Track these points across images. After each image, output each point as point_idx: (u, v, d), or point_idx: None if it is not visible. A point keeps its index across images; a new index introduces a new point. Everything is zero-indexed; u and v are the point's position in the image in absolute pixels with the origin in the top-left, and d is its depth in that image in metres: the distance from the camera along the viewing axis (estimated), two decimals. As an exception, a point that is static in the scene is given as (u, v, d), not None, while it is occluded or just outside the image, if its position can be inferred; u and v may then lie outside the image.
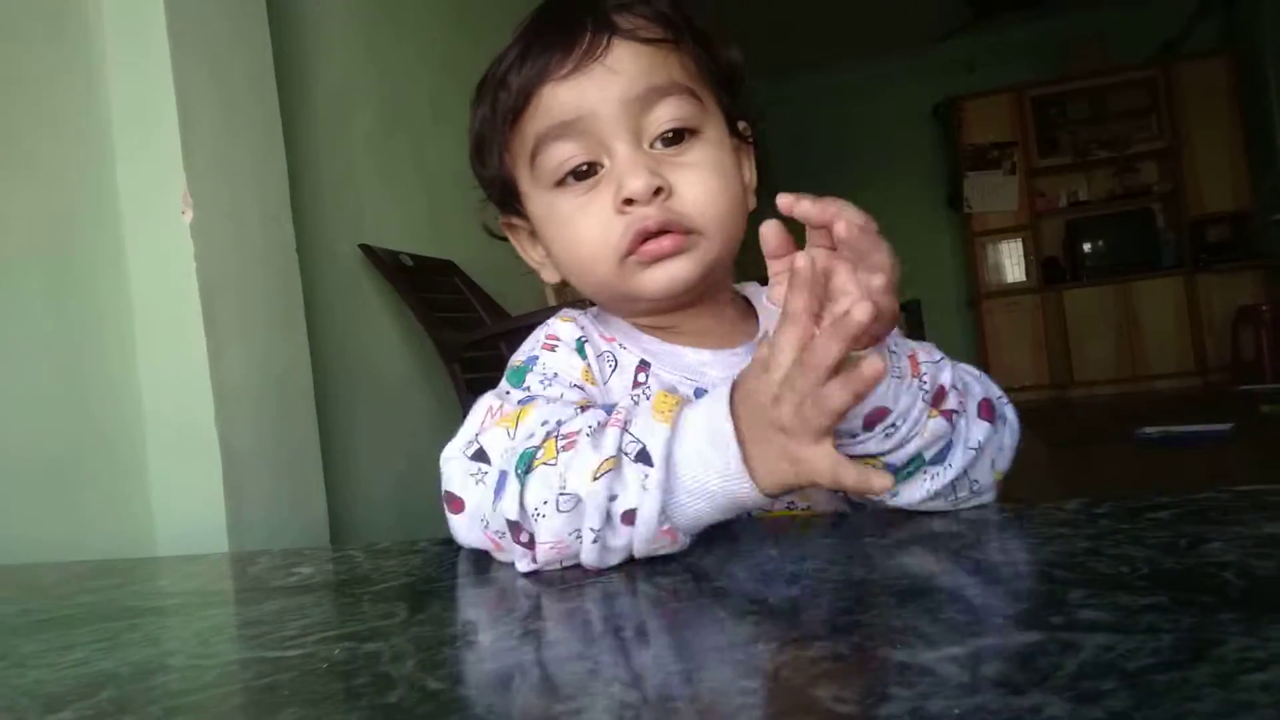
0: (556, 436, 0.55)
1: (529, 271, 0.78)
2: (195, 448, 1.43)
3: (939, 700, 0.27)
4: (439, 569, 0.60)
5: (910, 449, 0.56)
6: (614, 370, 0.70)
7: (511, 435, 0.57)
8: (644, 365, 0.70)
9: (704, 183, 0.66)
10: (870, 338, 0.52)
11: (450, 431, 0.62)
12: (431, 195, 2.52)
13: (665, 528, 0.52)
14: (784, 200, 0.52)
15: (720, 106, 0.71)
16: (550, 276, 0.76)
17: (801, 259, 0.50)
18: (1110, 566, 0.41)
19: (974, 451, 0.59)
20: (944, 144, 7.18)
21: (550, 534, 0.52)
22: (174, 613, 0.60)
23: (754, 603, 0.43)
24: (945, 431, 0.57)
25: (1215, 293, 6.21)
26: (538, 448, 0.54)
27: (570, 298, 0.84)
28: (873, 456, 0.56)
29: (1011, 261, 6.82)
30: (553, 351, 0.70)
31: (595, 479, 0.52)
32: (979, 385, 0.62)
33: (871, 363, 0.47)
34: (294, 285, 1.70)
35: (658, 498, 0.51)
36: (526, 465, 0.54)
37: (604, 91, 0.65)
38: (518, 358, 0.71)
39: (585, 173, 0.66)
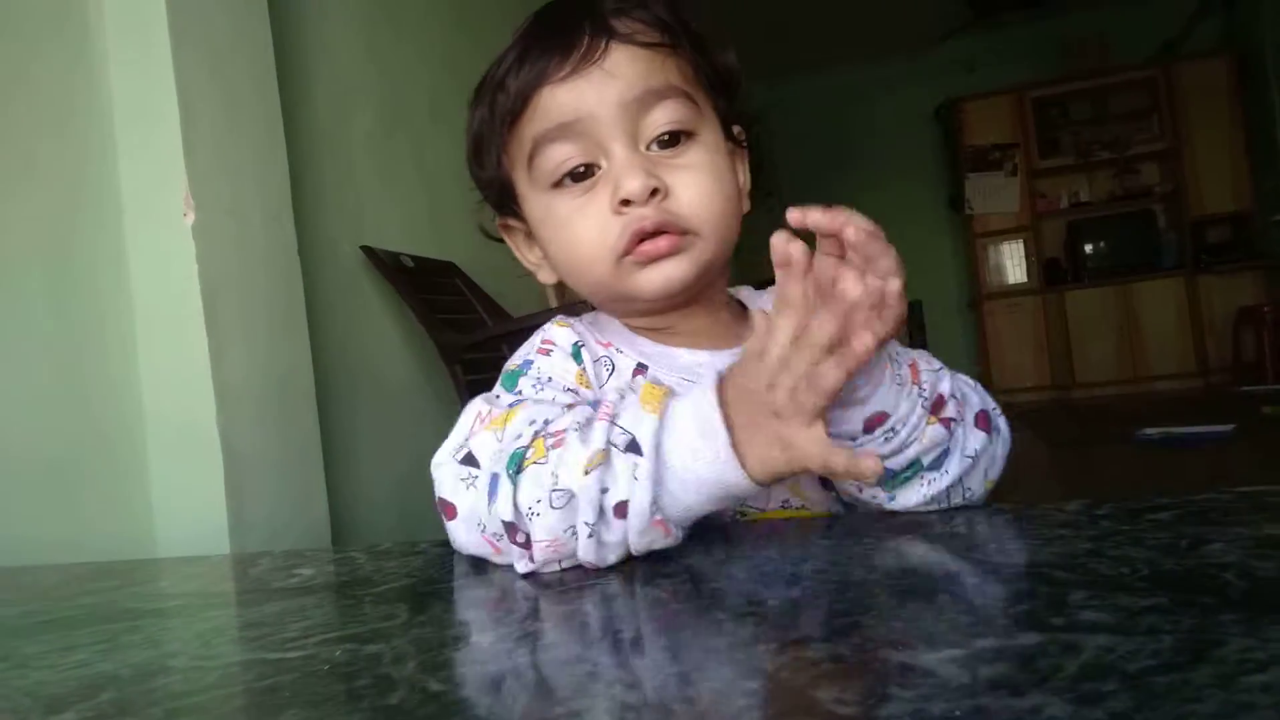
0: (545, 435, 0.55)
1: (526, 273, 0.79)
2: (196, 448, 1.43)
3: (940, 702, 0.27)
4: (440, 570, 0.60)
5: (909, 454, 0.56)
6: (611, 374, 0.70)
7: (500, 438, 0.57)
8: (641, 368, 0.70)
9: (699, 184, 0.67)
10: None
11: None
12: (432, 196, 2.53)
13: (657, 519, 0.52)
14: (794, 214, 0.53)
15: (716, 110, 0.71)
16: (547, 277, 0.76)
17: (796, 248, 0.51)
18: (1111, 567, 0.41)
19: (970, 460, 0.59)
20: (945, 145, 7.18)
21: (545, 532, 0.53)
22: (175, 614, 0.60)
23: (754, 604, 0.43)
24: (943, 439, 0.58)
25: (1216, 294, 6.21)
26: (527, 447, 0.55)
27: (571, 298, 0.85)
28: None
29: (1013, 263, 6.82)
30: (548, 356, 0.71)
31: (586, 473, 0.52)
32: (976, 396, 0.63)
33: (861, 338, 0.48)
34: (295, 285, 1.70)
35: (649, 488, 0.51)
36: (517, 465, 0.54)
37: (602, 94, 0.65)
38: (512, 362, 0.72)
39: (582, 174, 0.67)
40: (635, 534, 0.52)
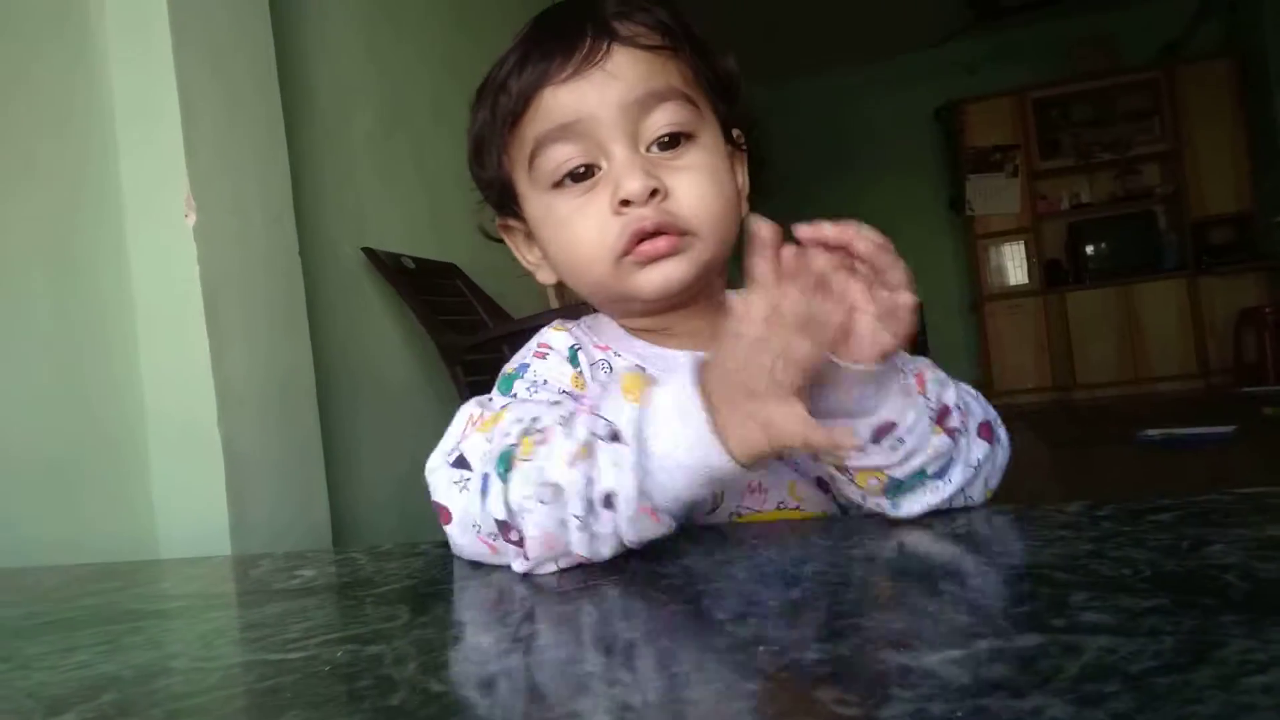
0: (532, 432, 0.55)
1: (525, 273, 0.79)
2: (197, 449, 1.44)
3: (941, 703, 0.27)
4: (441, 571, 0.60)
5: (914, 464, 0.56)
6: (609, 376, 0.71)
7: (490, 438, 0.57)
8: (638, 369, 0.71)
9: (699, 185, 0.67)
10: (882, 351, 0.53)
11: (452, 435, 0.62)
12: (433, 197, 2.53)
13: (645, 507, 0.52)
14: (804, 231, 0.52)
15: (716, 114, 0.72)
16: (546, 278, 0.77)
17: (765, 227, 0.51)
18: (1112, 569, 0.41)
19: (973, 469, 0.59)
20: (946, 146, 7.18)
21: (537, 528, 0.53)
22: (176, 615, 0.60)
23: (754, 605, 0.43)
24: (948, 448, 0.58)
25: (1218, 295, 6.20)
26: (515, 445, 0.55)
27: (571, 299, 0.85)
28: (879, 470, 0.57)
29: (1014, 264, 6.81)
30: (544, 359, 0.72)
31: (571, 465, 0.52)
32: (978, 406, 0.63)
33: (826, 310, 0.48)
34: (296, 286, 1.70)
35: (633, 477, 0.51)
36: (506, 464, 0.54)
37: (603, 95, 0.66)
38: (509, 366, 0.72)
39: (583, 175, 0.68)
40: (625, 523, 0.52)
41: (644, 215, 0.65)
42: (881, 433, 0.55)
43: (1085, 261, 6.63)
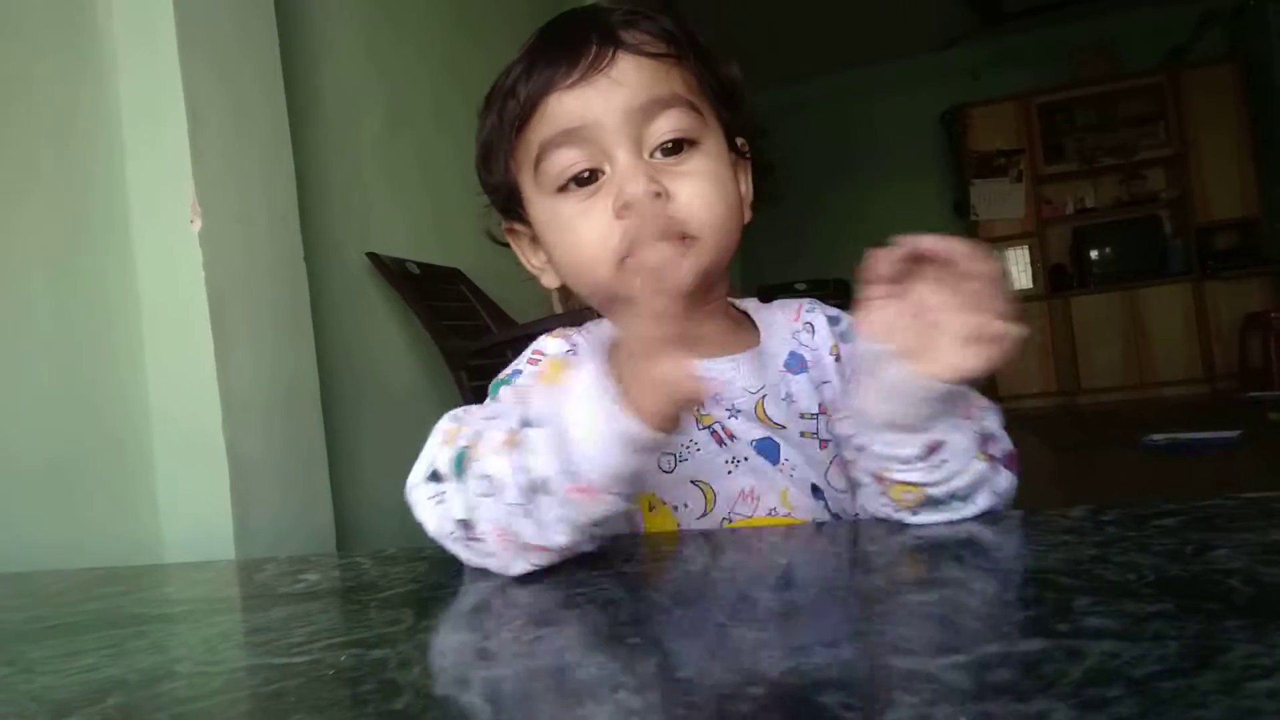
0: (480, 432, 0.56)
1: (530, 277, 0.80)
2: (202, 453, 1.44)
3: (945, 707, 0.27)
4: (445, 576, 0.60)
5: (953, 485, 0.57)
6: None
7: (455, 446, 0.58)
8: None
9: (701, 190, 0.68)
10: (957, 374, 0.53)
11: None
12: (437, 201, 2.53)
13: (580, 486, 0.51)
14: (914, 242, 0.53)
15: (720, 121, 0.73)
16: (550, 281, 0.78)
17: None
18: (1116, 573, 0.40)
19: (997, 497, 0.59)
20: (950, 151, 7.18)
21: (490, 523, 0.53)
22: (181, 620, 0.60)
23: (758, 609, 0.43)
24: (985, 475, 0.58)
25: (1223, 300, 6.19)
26: (467, 446, 0.55)
27: (575, 304, 0.86)
28: (918, 485, 0.57)
29: (1018, 268, 6.80)
30: (535, 366, 0.72)
31: (500, 455, 0.53)
32: (1005, 439, 0.63)
33: (652, 255, 0.48)
34: (301, 291, 1.70)
35: (555, 458, 0.51)
36: (460, 465, 0.55)
37: (608, 101, 0.67)
38: (504, 372, 0.73)
39: (587, 179, 0.69)
40: (560, 506, 0.52)
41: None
42: (929, 451, 0.56)
43: (1090, 266, 6.62)
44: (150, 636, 0.53)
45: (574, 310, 0.89)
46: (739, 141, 0.77)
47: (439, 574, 0.61)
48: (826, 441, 0.72)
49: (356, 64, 2.28)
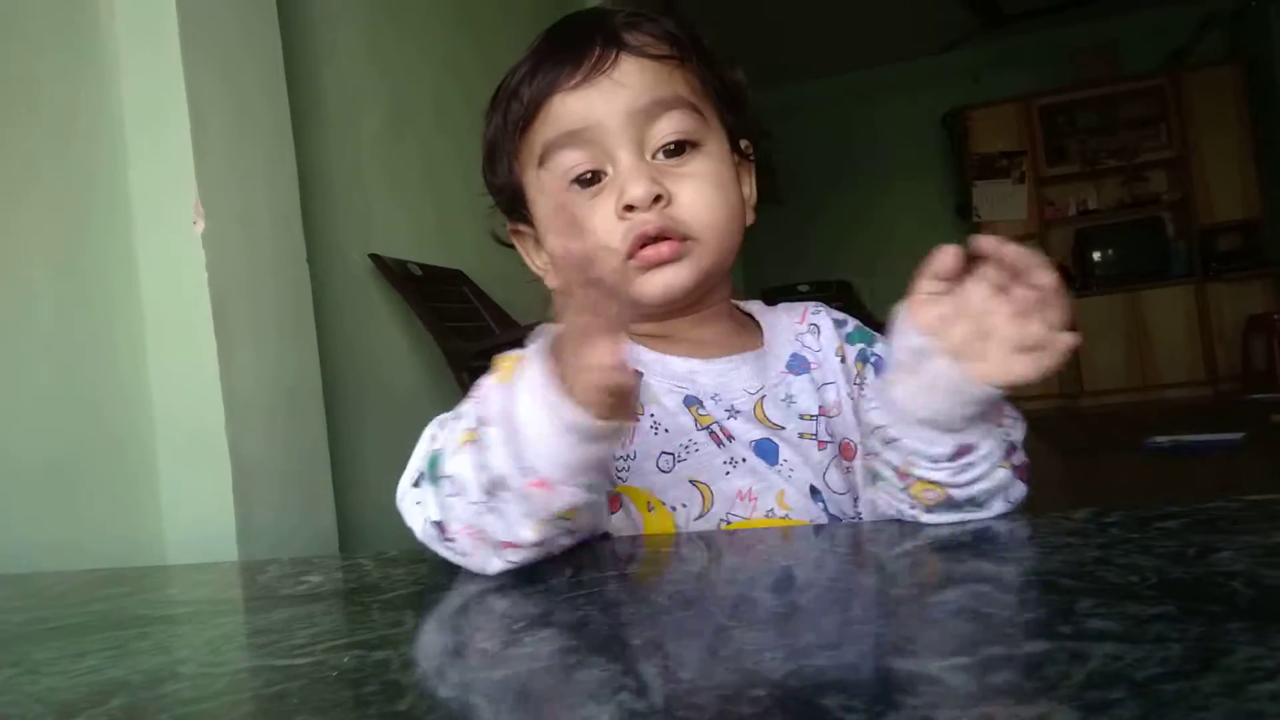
0: (450, 434, 0.56)
1: (535, 278, 0.80)
2: (205, 454, 1.44)
3: (947, 709, 0.27)
4: (448, 577, 0.60)
5: (975, 489, 0.57)
6: None
7: (429, 449, 0.58)
8: (636, 375, 0.71)
9: (702, 192, 0.69)
10: (1006, 380, 0.53)
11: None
12: (439, 203, 2.53)
13: (536, 480, 0.51)
14: (983, 243, 0.53)
15: (723, 123, 0.74)
16: (554, 282, 0.77)
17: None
18: (1119, 576, 0.40)
19: (1010, 506, 0.59)
20: (952, 153, 7.18)
21: (459, 522, 0.54)
22: (184, 621, 0.60)
23: (759, 611, 0.43)
24: (1005, 483, 0.58)
25: (1225, 302, 6.18)
26: (439, 449, 0.56)
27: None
28: (942, 485, 0.57)
29: (1020, 270, 6.78)
30: None
31: (460, 455, 0.53)
32: (1021, 447, 0.63)
33: (577, 245, 0.47)
34: (304, 292, 1.70)
35: (506, 454, 0.51)
36: (432, 466, 0.56)
37: (610, 103, 0.68)
38: None
39: (590, 180, 0.70)
40: (520, 502, 0.52)
41: (647, 220, 0.67)
42: (959, 453, 0.56)
43: (1092, 268, 6.61)
44: (153, 638, 0.53)
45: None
46: (743, 144, 0.77)
47: (441, 576, 0.61)
48: (825, 443, 0.72)
49: (359, 65, 2.28)
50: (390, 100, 2.40)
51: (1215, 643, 0.31)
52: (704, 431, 0.70)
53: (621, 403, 0.50)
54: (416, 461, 0.60)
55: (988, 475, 0.57)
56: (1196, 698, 0.26)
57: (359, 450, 1.99)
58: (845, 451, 0.72)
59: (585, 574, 0.54)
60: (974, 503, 0.57)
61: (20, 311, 1.29)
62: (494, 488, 0.52)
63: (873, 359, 0.76)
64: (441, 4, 2.74)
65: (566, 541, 0.56)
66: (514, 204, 0.77)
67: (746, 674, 0.34)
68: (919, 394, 0.56)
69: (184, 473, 1.45)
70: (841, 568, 0.50)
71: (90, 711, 0.37)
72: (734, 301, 0.80)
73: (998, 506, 0.58)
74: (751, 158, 0.78)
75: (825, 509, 0.69)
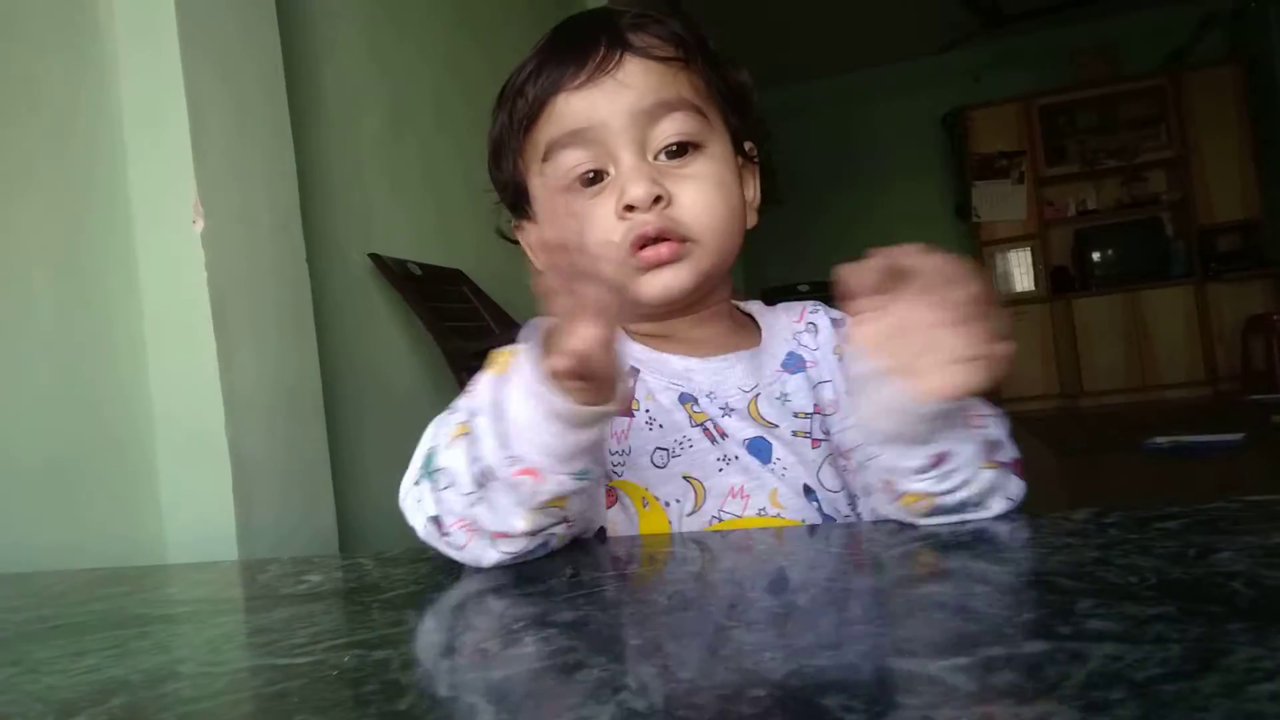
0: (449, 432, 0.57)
1: (538, 272, 0.81)
2: (205, 454, 1.44)
3: (947, 709, 0.27)
4: (448, 577, 0.60)
5: (963, 494, 0.57)
6: None
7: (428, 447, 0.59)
8: (632, 371, 0.73)
9: (703, 194, 0.69)
10: (944, 394, 0.52)
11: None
12: (439, 203, 2.53)
13: (522, 469, 0.52)
14: (906, 254, 0.52)
15: (727, 125, 0.74)
16: (542, 269, 0.78)
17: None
18: (1119, 576, 0.40)
19: (1011, 503, 0.59)
20: (952, 153, 7.18)
21: (453, 515, 0.55)
22: (184, 620, 0.60)
23: (760, 611, 0.43)
24: (996, 483, 0.58)
25: (1225, 302, 6.19)
26: (435, 445, 0.57)
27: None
28: (928, 495, 0.57)
29: (1020, 270, 6.79)
30: None
31: (453, 447, 0.54)
32: (1011, 446, 0.63)
33: (553, 232, 0.48)
34: (304, 292, 1.70)
35: (495, 442, 0.52)
36: (428, 461, 0.57)
37: (614, 103, 0.68)
38: None
39: (592, 179, 0.70)
40: (509, 491, 0.52)
41: (647, 220, 0.67)
42: (936, 462, 0.56)
43: (1092, 268, 6.61)
44: (154, 637, 0.53)
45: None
46: (747, 146, 0.77)
47: (441, 575, 0.61)
48: (819, 441, 0.72)
49: (359, 64, 2.28)
50: (390, 100, 2.40)
51: (1215, 643, 0.31)
52: (698, 428, 0.70)
53: (599, 388, 0.50)
54: (417, 460, 0.61)
55: (973, 479, 0.57)
56: (1196, 698, 0.26)
57: (359, 450, 1.99)
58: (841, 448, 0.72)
59: (584, 574, 0.54)
60: (969, 505, 0.57)
61: (20, 311, 1.29)
62: (484, 478, 0.53)
63: None
64: (442, 3, 2.74)
65: (562, 531, 0.57)
66: (518, 200, 0.78)
67: (746, 674, 0.34)
68: (878, 415, 0.56)
69: (184, 472, 1.45)
70: (840, 568, 0.50)
71: (90, 710, 0.37)
72: (734, 302, 0.81)
73: (997, 505, 0.58)
74: (755, 160, 0.79)
75: (820, 508, 0.69)
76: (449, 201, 2.52)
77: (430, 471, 0.56)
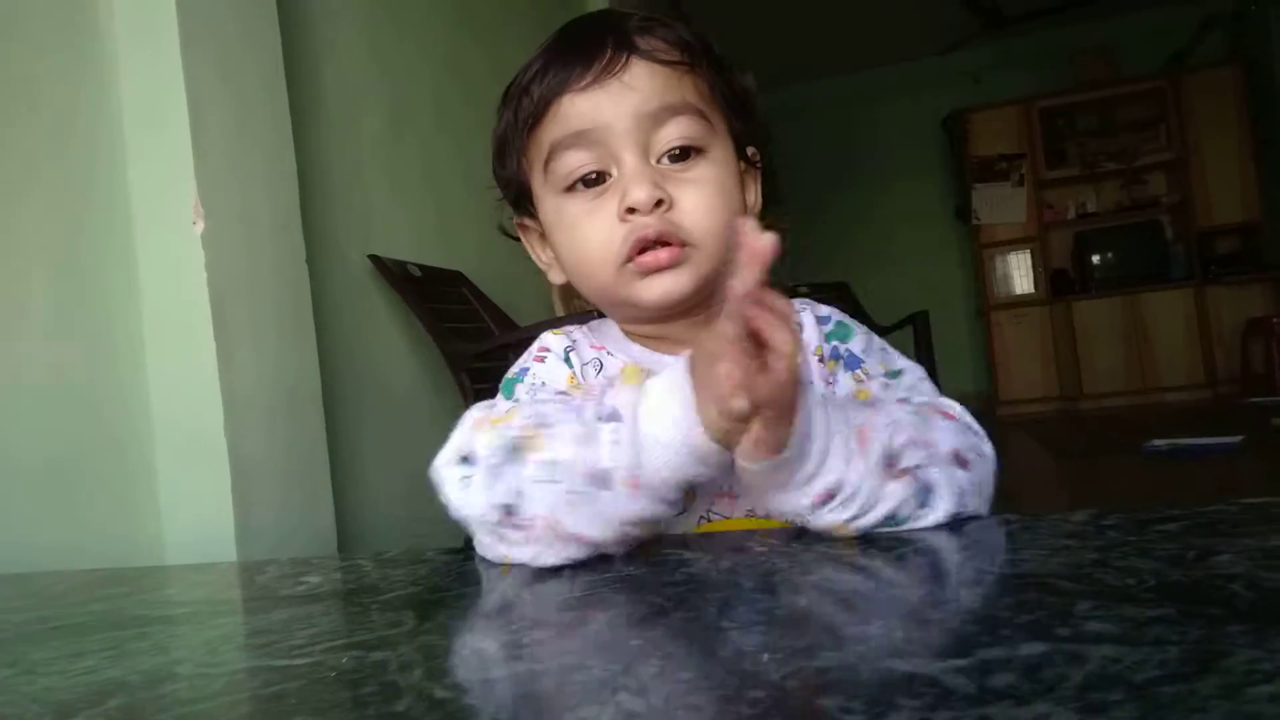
0: (541, 425, 0.56)
1: (539, 271, 0.82)
2: (204, 455, 1.44)
3: (945, 711, 0.27)
4: (446, 578, 0.60)
5: (878, 513, 0.55)
6: (599, 373, 0.74)
7: (498, 434, 0.58)
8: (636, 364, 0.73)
9: (704, 198, 0.69)
10: (769, 448, 0.51)
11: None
12: (439, 204, 2.53)
13: (637, 481, 0.52)
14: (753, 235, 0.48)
15: (730, 130, 0.74)
16: (557, 278, 0.80)
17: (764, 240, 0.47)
18: (1118, 578, 0.40)
19: (958, 494, 0.57)
20: (952, 155, 7.18)
21: (541, 507, 0.54)
22: (183, 621, 0.60)
23: (760, 612, 0.43)
24: (913, 490, 0.56)
25: (1225, 305, 6.18)
26: (521, 435, 0.56)
27: (577, 306, 0.87)
28: (839, 524, 0.55)
29: (1020, 273, 6.80)
30: (542, 363, 0.75)
31: (574, 444, 0.54)
32: (948, 436, 0.59)
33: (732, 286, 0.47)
34: (303, 292, 1.70)
35: (629, 453, 0.52)
36: (512, 452, 0.55)
37: (619, 106, 0.68)
38: (512, 370, 0.75)
39: (594, 181, 0.70)
40: (620, 501, 0.53)
41: (647, 224, 0.67)
42: (828, 497, 0.54)
43: (1092, 271, 6.61)
44: (152, 638, 0.53)
45: (575, 312, 0.91)
46: (750, 151, 0.77)
47: (440, 576, 0.61)
48: None
49: (359, 64, 2.28)
50: (390, 100, 2.40)
51: (1214, 645, 0.31)
52: None
53: (737, 431, 0.51)
54: (461, 440, 0.59)
55: (878, 498, 0.54)
56: (1195, 700, 0.26)
57: (358, 450, 1.99)
58: None
59: (584, 575, 0.54)
60: (899, 518, 0.55)
61: (19, 311, 1.29)
62: (597, 482, 0.53)
63: (845, 355, 0.75)
64: (442, 3, 2.74)
65: (616, 550, 0.56)
66: (520, 198, 0.79)
67: (745, 675, 0.33)
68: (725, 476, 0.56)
69: (183, 473, 1.45)
70: (839, 569, 0.50)
71: (88, 712, 0.37)
72: None
73: (946, 503, 0.56)
74: (758, 165, 0.79)
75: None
76: (449, 202, 2.52)
77: (517, 459, 0.55)
